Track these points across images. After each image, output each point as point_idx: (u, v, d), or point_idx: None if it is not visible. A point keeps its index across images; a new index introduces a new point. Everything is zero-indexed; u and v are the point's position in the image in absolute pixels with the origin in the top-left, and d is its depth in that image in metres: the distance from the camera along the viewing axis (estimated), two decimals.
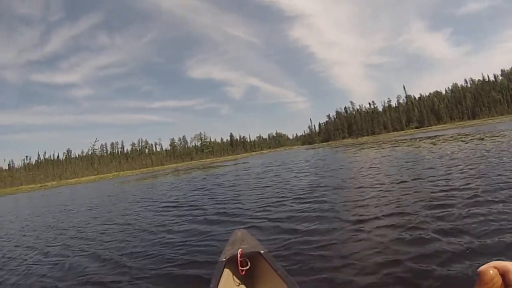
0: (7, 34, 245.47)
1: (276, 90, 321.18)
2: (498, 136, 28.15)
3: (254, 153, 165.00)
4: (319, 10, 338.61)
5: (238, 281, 4.41)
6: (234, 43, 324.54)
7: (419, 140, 40.60)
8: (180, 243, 8.06)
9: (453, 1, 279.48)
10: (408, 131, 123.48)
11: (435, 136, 47.75)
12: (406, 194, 9.66)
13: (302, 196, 12.07)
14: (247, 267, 4.38)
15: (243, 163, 58.37)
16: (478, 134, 35.26)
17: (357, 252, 5.62)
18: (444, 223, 6.45)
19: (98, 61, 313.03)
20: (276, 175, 22.05)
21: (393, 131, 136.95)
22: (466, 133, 41.67)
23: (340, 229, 7.08)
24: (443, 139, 35.99)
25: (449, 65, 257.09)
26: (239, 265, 4.34)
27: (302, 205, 10.22)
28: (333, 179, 15.61)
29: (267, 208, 10.61)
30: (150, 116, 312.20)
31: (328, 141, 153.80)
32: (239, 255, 4.37)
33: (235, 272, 4.42)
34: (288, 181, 17.39)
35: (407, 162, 18.51)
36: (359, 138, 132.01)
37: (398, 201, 8.89)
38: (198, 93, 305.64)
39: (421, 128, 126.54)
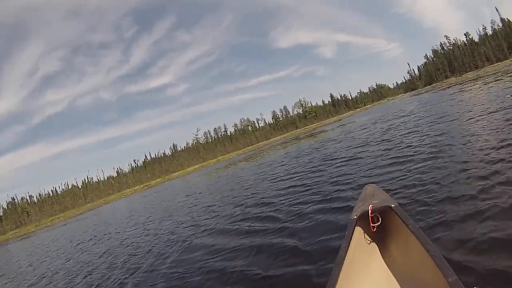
0: (91, 62, 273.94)
1: (366, 41, 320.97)
2: None
3: (358, 109, 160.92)
4: None
5: (370, 239, 4.38)
6: (311, 3, 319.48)
7: None
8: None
9: None
10: None
11: None
12: None
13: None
14: (379, 223, 4.30)
15: (350, 123, 55.47)
16: None
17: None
18: None
19: (185, 58, 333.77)
20: (403, 133, 17.39)
21: (497, 62, 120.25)
22: None
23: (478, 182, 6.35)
24: None
25: None
26: (370, 221, 4.27)
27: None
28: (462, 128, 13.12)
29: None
30: (249, 94, 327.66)
31: (431, 83, 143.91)
32: (370, 211, 4.28)
33: (366, 229, 4.37)
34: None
35: None
36: (463, 75, 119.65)
37: None
38: (290, 61, 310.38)
39: None
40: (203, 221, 11.77)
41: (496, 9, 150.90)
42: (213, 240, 8.79)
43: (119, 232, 16.97)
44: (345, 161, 14.41)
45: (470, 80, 61.58)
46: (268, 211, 9.67)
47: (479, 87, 33.03)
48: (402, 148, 12.81)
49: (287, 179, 14.79)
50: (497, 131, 10.27)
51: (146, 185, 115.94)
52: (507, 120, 11.33)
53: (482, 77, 58.76)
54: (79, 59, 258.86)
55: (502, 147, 8.30)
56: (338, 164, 14.09)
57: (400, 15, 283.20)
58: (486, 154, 8.06)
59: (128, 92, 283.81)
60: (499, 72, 52.64)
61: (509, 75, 36.27)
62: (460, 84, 61.85)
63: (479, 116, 14.48)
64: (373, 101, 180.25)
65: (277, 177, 16.53)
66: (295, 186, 12.38)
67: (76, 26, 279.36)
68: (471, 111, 17.31)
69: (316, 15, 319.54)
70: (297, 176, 14.45)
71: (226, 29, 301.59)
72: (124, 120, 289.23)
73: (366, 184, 5.82)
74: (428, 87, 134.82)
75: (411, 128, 18.33)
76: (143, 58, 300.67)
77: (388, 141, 16.16)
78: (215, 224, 10.50)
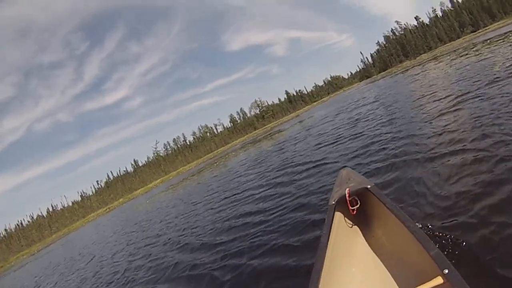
0: (44, 84, 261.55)
1: (317, 35, 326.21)
2: None
3: (315, 103, 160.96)
4: None
5: (351, 222, 4.44)
6: (260, 3, 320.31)
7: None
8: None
9: None
10: (466, 37, 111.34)
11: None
12: None
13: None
14: (357, 206, 4.36)
15: (308, 118, 53.68)
16: None
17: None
18: None
19: (139, 69, 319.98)
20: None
21: (450, 42, 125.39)
22: None
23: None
24: None
25: None
26: (349, 204, 4.33)
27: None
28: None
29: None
30: (206, 100, 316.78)
31: (385, 69, 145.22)
32: (347, 195, 4.33)
33: (346, 213, 4.44)
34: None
35: None
36: (417, 58, 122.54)
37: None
38: (244, 62, 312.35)
39: (478, 32, 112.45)
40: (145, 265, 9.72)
41: None
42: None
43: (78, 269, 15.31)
44: (312, 167, 11.49)
45: (428, 61, 61.37)
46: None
47: (447, 64, 31.23)
48: (380, 141, 10.81)
49: (244, 198, 11.90)
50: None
51: (109, 208, 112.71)
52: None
53: (439, 56, 59.13)
54: (32, 83, 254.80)
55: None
56: (304, 173, 11.19)
57: (349, 7, 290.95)
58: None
59: (85, 111, 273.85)
60: (460, 48, 52.22)
61: (473, 49, 35.16)
62: (419, 65, 60.94)
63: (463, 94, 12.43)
64: (329, 93, 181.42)
65: (234, 195, 13.46)
66: (254, 212, 9.42)
67: (25, 48, 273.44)
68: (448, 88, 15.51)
69: (266, 15, 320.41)
70: (257, 195, 11.35)
71: (177, 36, 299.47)
72: (84, 141, 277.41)
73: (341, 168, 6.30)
74: (383, 73, 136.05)
75: (382, 116, 16.11)
76: (97, 73, 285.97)
77: (361, 135, 13.52)
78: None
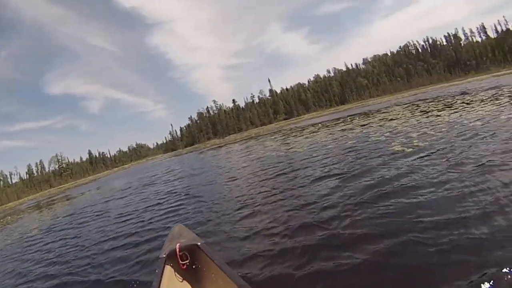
0: None
1: (135, 100, 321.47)
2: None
3: (116, 169, 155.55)
4: (179, 15, 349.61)
5: (181, 276, 4.63)
6: (95, 53, 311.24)
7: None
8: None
9: (311, 2, 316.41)
10: (280, 123, 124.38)
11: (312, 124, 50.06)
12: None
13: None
14: (187, 261, 4.68)
15: (107, 185, 46.76)
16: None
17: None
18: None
19: None
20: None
21: (261, 125, 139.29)
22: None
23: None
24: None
25: (309, 60, 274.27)
26: (179, 259, 4.60)
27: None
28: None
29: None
30: (12, 141, 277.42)
31: (193, 144, 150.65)
32: (177, 250, 4.62)
33: (176, 267, 4.67)
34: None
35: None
36: (226, 137, 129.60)
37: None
38: (57, 110, 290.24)
39: (290, 119, 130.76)
40: None
41: (269, 80, 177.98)
42: None
43: None
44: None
45: (243, 140, 65.00)
46: None
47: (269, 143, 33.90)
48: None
49: None
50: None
51: None
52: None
53: (254, 137, 61.65)
54: None
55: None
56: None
57: (173, 80, 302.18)
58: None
59: None
60: (284, 130, 59.04)
61: (304, 131, 39.39)
62: (232, 143, 66.27)
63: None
64: (131, 161, 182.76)
65: None
66: None
67: None
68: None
69: (96, 67, 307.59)
70: None
71: (4, 61, 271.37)
72: None
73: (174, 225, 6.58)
74: (189, 147, 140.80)
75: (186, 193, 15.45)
76: None
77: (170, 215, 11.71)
78: None
